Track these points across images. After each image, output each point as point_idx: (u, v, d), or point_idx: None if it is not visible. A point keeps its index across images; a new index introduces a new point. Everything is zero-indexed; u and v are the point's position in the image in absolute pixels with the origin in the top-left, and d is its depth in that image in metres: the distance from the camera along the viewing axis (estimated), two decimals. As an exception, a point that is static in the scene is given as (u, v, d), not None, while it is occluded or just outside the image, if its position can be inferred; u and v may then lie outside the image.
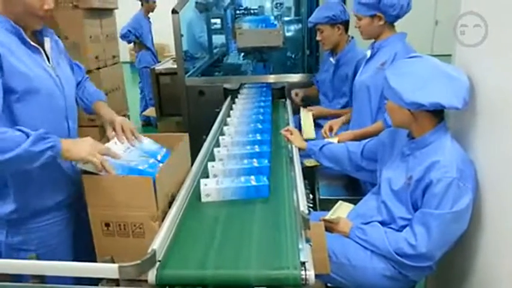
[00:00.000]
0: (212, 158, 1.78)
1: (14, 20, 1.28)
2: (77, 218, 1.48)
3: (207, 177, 1.62)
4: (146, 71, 4.77)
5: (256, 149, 1.77)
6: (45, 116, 1.33)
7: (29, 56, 1.30)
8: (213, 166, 1.62)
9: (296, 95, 2.92)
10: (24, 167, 1.24)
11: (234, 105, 2.54)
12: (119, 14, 4.48)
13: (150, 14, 5.49)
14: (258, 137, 1.90)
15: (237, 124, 2.15)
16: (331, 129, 2.33)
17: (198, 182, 1.59)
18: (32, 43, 1.32)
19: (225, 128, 2.07)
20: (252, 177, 1.53)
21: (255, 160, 1.65)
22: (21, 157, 1.16)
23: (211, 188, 1.48)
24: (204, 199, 1.47)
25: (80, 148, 1.28)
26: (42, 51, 1.36)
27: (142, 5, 5.38)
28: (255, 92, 2.95)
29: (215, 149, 1.79)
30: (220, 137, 1.92)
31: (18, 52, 1.26)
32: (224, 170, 1.61)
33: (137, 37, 5.31)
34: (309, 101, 2.89)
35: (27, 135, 1.18)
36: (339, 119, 2.42)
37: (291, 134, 2.01)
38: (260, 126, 2.05)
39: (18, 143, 1.16)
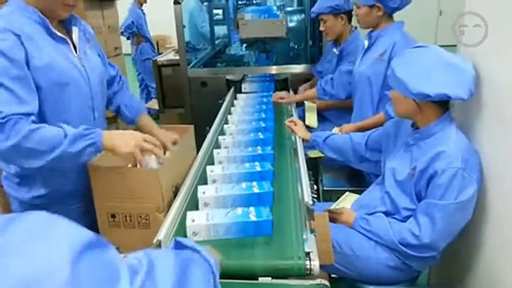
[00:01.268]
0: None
1: (42, 9, 1.27)
2: None
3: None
4: (149, 62, 4.77)
5: (258, 167, 1.51)
6: (71, 107, 1.33)
7: (55, 47, 1.29)
8: (203, 192, 1.35)
9: (305, 89, 2.87)
10: (70, 164, 1.26)
11: (232, 108, 2.38)
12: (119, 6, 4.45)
13: (152, 5, 5.50)
14: (259, 151, 1.68)
15: (235, 132, 1.96)
16: None
17: (203, 172, 1.60)
18: (59, 33, 1.31)
19: (220, 137, 1.86)
20: (252, 209, 1.25)
21: (255, 184, 1.38)
22: (62, 158, 1.18)
23: (200, 225, 1.21)
24: (189, 237, 1.21)
25: (125, 143, 1.25)
26: (70, 42, 1.36)
27: None
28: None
29: (208, 167, 1.54)
30: (215, 151, 1.69)
31: (44, 44, 1.26)
32: (217, 196, 1.34)
33: (138, 29, 5.32)
34: None
35: (65, 134, 1.18)
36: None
37: (295, 124, 2.00)
38: (262, 137, 1.83)
39: (57, 142, 1.17)
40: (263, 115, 2.18)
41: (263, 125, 2.01)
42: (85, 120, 1.37)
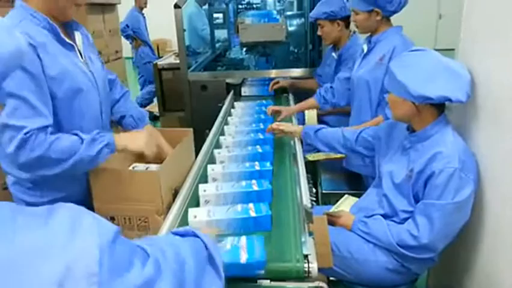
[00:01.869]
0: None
1: (52, 11, 1.28)
2: None
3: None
4: (150, 65, 4.78)
5: (255, 187, 1.40)
6: (85, 113, 1.36)
7: (65, 54, 1.31)
8: (195, 216, 1.26)
9: (276, 83, 2.92)
10: (88, 168, 1.33)
11: (229, 118, 2.23)
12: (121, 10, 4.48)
13: (152, 9, 5.51)
14: (257, 167, 1.56)
15: (231, 145, 1.87)
16: None
17: (201, 176, 1.61)
18: (67, 40, 1.33)
19: (216, 151, 1.75)
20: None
21: (251, 206, 1.30)
22: (82, 161, 1.26)
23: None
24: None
25: (138, 141, 1.40)
26: (76, 47, 1.38)
27: (135, 0, 5.41)
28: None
29: (200, 186, 1.42)
30: (209, 167, 1.59)
31: (56, 52, 1.28)
32: (210, 221, 1.24)
33: (135, 32, 5.32)
34: (304, 94, 2.88)
35: (82, 140, 1.27)
36: None
37: (279, 126, 1.97)
38: (260, 150, 1.74)
39: (76, 149, 1.25)
40: (262, 126, 2.05)
41: (261, 136, 1.90)
42: (96, 124, 1.41)
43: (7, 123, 1.17)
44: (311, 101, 2.46)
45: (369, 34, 2.08)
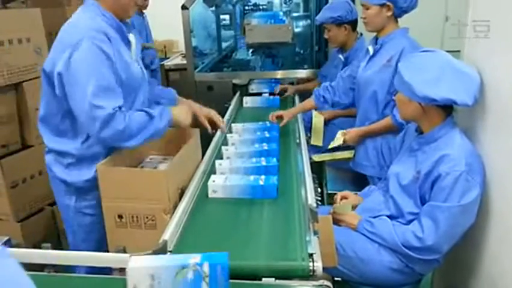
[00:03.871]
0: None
1: (116, 11, 1.37)
2: None
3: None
4: None
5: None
6: (135, 107, 1.46)
7: (126, 52, 1.41)
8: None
9: (285, 90, 2.91)
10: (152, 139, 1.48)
11: (224, 149, 1.85)
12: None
13: (160, 9, 5.46)
14: (263, 162, 1.64)
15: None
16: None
17: (208, 176, 1.62)
18: (129, 39, 1.44)
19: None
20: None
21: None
22: (155, 134, 1.42)
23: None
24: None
25: (186, 117, 1.58)
26: (131, 47, 1.47)
27: None
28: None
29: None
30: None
31: (121, 48, 1.37)
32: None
33: None
34: (310, 96, 2.88)
35: (150, 115, 1.40)
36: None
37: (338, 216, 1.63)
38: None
39: (147, 122, 1.38)
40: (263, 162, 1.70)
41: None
42: None
43: (93, 104, 1.28)
44: (309, 101, 2.33)
45: (375, 36, 2.07)
